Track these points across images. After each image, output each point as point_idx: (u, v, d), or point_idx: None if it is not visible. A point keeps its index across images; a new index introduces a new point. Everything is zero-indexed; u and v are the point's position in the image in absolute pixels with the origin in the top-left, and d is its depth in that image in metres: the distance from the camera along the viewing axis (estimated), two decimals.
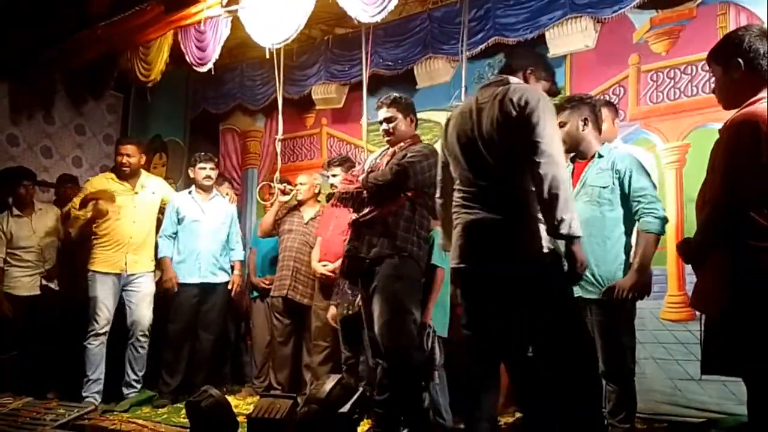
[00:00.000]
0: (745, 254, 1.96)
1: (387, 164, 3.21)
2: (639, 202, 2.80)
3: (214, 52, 4.50)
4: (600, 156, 2.91)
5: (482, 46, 4.29)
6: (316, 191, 4.64)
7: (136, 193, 4.54)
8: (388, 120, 3.30)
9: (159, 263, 4.55)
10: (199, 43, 4.62)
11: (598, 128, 2.99)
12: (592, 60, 4.17)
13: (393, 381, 3.08)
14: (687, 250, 2.20)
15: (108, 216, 4.37)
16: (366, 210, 3.20)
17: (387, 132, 3.31)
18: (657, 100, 3.93)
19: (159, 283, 4.55)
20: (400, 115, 3.29)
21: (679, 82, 3.86)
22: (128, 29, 4.92)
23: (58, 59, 5.18)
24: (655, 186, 2.90)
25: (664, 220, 2.80)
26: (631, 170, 2.82)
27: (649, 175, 2.89)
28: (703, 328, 2.13)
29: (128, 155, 4.48)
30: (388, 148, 3.36)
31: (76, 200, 4.42)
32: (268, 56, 4.36)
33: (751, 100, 2.05)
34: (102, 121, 5.96)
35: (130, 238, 4.43)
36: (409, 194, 3.13)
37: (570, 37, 4.01)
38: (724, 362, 2.01)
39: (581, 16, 3.90)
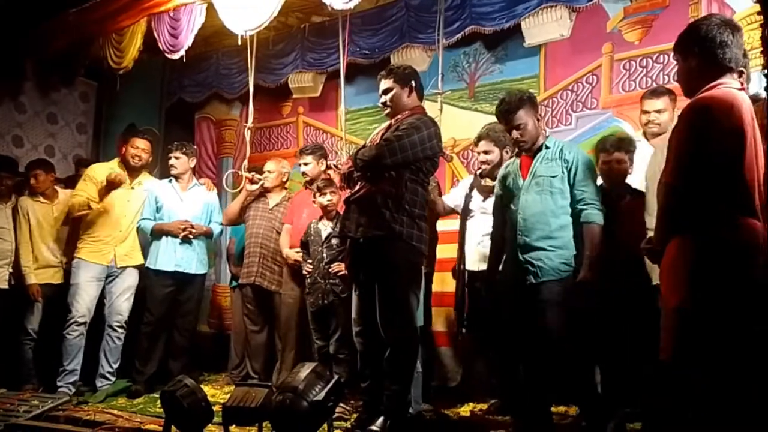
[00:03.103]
0: (700, 243, 1.98)
1: (380, 138, 3.11)
2: (583, 191, 2.91)
3: (186, 40, 4.47)
4: (546, 147, 3.01)
5: (459, 36, 4.30)
6: (284, 179, 4.60)
7: (132, 188, 4.55)
8: (385, 92, 3.16)
9: (156, 232, 4.45)
10: (172, 30, 4.58)
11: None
12: (566, 49, 4.20)
13: (393, 366, 3.03)
14: (650, 248, 2.21)
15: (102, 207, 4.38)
16: (356, 188, 3.12)
17: (384, 104, 3.18)
18: (629, 89, 3.99)
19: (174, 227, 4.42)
20: (397, 86, 3.14)
21: (651, 70, 3.92)
22: (101, 16, 4.85)
23: (28, 46, 5.08)
24: (596, 178, 3.02)
25: (605, 212, 2.92)
26: (578, 160, 2.94)
27: (593, 166, 3.02)
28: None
29: (142, 149, 4.53)
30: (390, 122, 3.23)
31: (85, 193, 4.37)
32: (240, 43, 4.33)
33: (706, 86, 2.08)
34: (75, 109, 5.86)
35: (119, 231, 4.44)
36: (395, 172, 3.00)
37: (545, 27, 4.04)
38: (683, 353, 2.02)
39: (557, 6, 3.94)
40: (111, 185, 4.30)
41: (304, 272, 3.94)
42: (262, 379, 4.24)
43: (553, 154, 2.97)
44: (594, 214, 2.89)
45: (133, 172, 4.55)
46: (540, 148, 3.02)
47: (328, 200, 3.84)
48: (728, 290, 1.93)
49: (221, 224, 4.75)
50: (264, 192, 4.53)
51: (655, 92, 3.43)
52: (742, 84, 2.09)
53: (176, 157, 4.56)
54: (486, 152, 3.54)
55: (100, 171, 4.51)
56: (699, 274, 1.97)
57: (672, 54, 2.31)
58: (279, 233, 4.33)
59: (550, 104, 4.27)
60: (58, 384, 4.22)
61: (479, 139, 3.59)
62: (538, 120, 3.04)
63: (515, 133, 3.02)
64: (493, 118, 3.39)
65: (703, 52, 2.10)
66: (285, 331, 4.21)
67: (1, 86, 5.27)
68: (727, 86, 2.05)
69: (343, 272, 3.67)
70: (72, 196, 4.48)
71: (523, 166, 3.06)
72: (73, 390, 4.24)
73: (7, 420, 3.57)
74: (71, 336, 4.27)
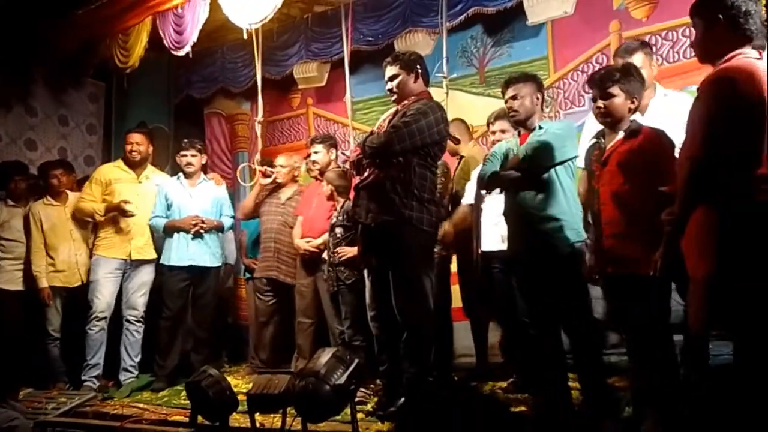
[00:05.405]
0: (726, 212, 1.98)
1: (388, 125, 3.15)
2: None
3: (191, 35, 4.50)
4: (541, 128, 3.01)
5: (462, 17, 4.29)
6: (295, 174, 4.64)
7: (140, 182, 4.63)
8: (391, 78, 3.20)
9: (168, 229, 4.49)
10: (177, 27, 4.61)
11: (541, 106, 3.12)
12: (573, 28, 4.16)
13: (411, 349, 3.09)
14: (672, 219, 2.17)
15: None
16: (365, 174, 3.15)
17: (391, 91, 3.22)
18: None
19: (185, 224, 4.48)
20: (402, 72, 3.18)
21: (660, 48, 3.85)
22: (107, 16, 4.88)
23: (35, 48, 5.12)
24: (545, 151, 2.88)
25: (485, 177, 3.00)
26: (549, 130, 2.93)
27: (551, 144, 2.88)
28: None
29: (137, 143, 4.60)
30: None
31: (91, 198, 4.48)
32: (246, 37, 4.34)
33: (728, 56, 2.07)
34: (84, 110, 5.88)
35: (133, 225, 4.51)
36: (404, 157, 3.04)
37: (548, 4, 4.01)
38: (714, 323, 2.04)
39: None
40: (118, 210, 4.41)
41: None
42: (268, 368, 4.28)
43: (543, 133, 2.97)
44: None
45: (136, 166, 4.62)
46: (535, 128, 3.02)
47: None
48: (757, 257, 1.92)
49: (232, 217, 4.80)
50: (277, 186, 4.58)
51: (628, 49, 3.11)
52: (759, 53, 2.09)
53: (192, 155, 4.60)
54: (503, 131, 3.55)
55: (107, 171, 4.60)
56: (727, 242, 1.97)
57: (689, 17, 2.26)
58: (292, 227, 4.36)
59: (562, 86, 4.24)
60: (83, 378, 4.33)
61: (496, 118, 3.60)
62: (538, 99, 3.03)
63: (511, 102, 3.03)
64: None
65: (728, 20, 2.09)
66: (300, 320, 4.26)
67: (11, 90, 5.31)
68: (746, 56, 2.05)
69: (346, 257, 3.73)
70: (78, 200, 4.56)
71: (521, 143, 3.07)
72: (97, 384, 4.34)
73: (37, 418, 3.64)
74: (93, 331, 4.39)
